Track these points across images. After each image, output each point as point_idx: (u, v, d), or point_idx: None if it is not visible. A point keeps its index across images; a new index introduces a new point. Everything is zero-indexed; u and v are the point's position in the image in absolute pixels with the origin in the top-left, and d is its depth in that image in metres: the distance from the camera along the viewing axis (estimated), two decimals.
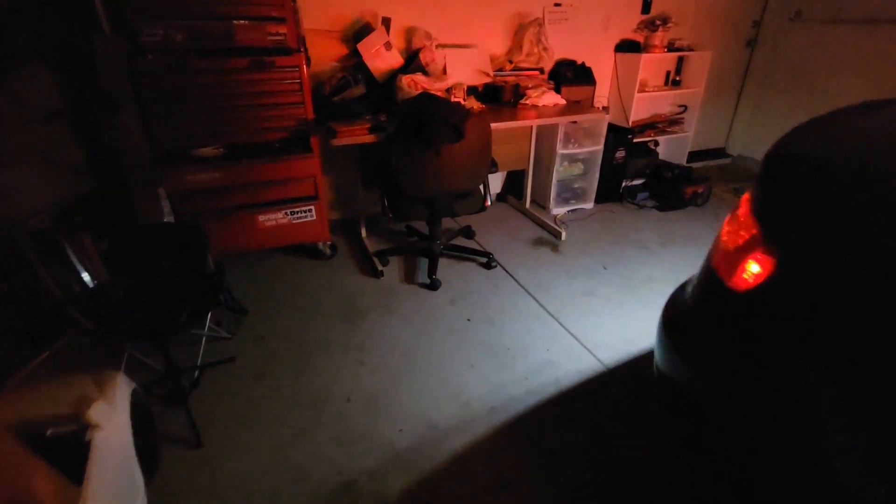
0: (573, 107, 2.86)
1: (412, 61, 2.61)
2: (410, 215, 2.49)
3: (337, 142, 2.13)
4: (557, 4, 3.02)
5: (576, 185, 3.25)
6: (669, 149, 3.81)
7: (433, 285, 2.34)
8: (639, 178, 3.55)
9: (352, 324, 2.10)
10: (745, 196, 1.02)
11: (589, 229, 3.02)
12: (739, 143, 4.31)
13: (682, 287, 1.24)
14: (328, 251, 2.63)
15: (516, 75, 2.90)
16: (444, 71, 2.72)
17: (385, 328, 2.07)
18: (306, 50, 2.18)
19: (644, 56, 3.18)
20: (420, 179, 2.13)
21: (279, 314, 2.16)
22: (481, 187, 2.37)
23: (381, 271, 2.46)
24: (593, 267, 2.58)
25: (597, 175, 3.22)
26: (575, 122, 2.83)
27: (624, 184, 3.44)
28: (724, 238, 1.00)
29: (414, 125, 1.92)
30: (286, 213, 2.36)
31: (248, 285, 2.37)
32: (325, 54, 2.60)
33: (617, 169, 3.33)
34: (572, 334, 2.03)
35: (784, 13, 3.73)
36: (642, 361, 1.87)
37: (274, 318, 2.13)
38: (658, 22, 3.18)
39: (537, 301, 2.26)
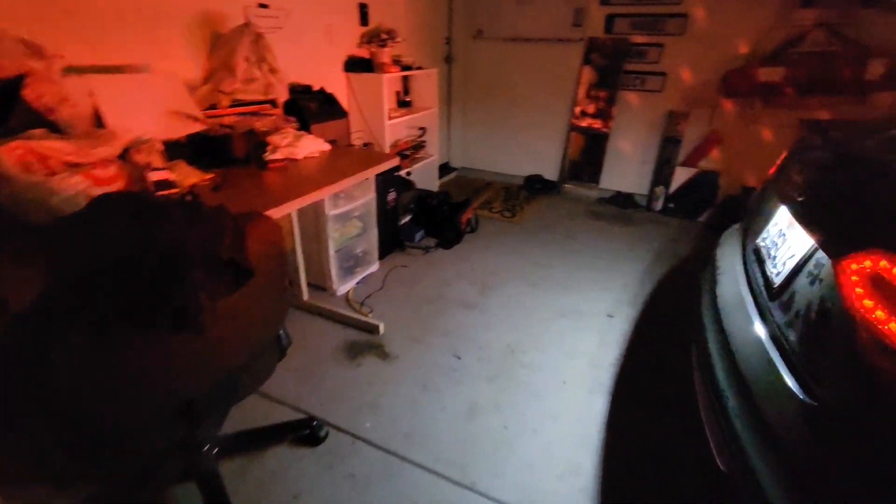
0: (337, 152, 2.01)
1: (10, 106, 1.18)
2: (128, 470, 1.14)
3: None
4: (263, 6, 2.05)
5: (358, 250, 2.45)
6: (420, 176, 3.45)
7: None
8: (405, 214, 3.05)
9: None
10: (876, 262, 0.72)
11: (397, 303, 2.31)
12: (459, 155, 4.41)
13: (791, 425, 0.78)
14: None
15: (239, 114, 1.80)
16: (98, 120, 1.39)
17: None
18: None
19: (385, 76, 2.62)
20: (157, 382, 0.90)
21: None
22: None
23: None
24: (445, 363, 1.91)
25: (375, 229, 2.51)
26: (367, 178, 2.00)
27: (400, 223, 2.87)
28: None
29: (124, 289, 0.71)
30: None
31: None
32: None
33: (391, 214, 2.71)
34: None
35: (468, 32, 3.90)
36: None
37: None
38: (385, 36, 2.66)
39: (427, 469, 1.42)
